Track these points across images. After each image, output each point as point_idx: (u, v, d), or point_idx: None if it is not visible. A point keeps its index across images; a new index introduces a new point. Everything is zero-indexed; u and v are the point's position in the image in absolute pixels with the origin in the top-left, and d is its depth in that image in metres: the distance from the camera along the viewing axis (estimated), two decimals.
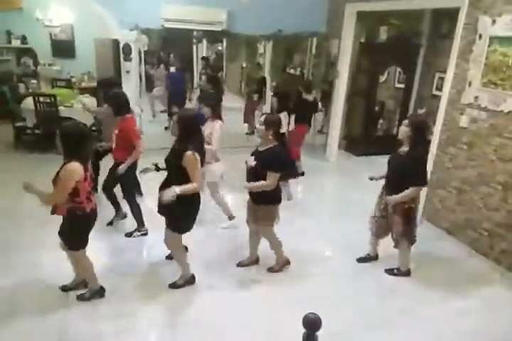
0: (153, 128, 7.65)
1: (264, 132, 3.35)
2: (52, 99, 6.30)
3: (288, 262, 3.86)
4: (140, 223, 4.31)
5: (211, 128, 4.27)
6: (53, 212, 3.04)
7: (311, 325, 1.74)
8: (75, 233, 3.07)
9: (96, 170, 4.64)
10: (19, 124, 6.68)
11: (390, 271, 3.88)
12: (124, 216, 4.55)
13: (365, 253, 4.07)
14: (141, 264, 3.88)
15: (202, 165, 3.24)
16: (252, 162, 3.41)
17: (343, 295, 3.55)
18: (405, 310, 3.41)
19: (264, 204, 3.50)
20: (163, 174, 3.33)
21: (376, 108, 7.70)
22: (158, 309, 3.28)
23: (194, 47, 12.81)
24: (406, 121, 3.52)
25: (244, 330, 3.06)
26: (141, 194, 4.97)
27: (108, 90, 4.49)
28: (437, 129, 4.80)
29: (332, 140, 7.24)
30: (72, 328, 3.01)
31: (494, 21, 4.04)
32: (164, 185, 3.18)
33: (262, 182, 3.34)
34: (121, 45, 6.39)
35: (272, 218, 3.55)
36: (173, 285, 3.49)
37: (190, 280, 3.54)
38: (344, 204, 5.39)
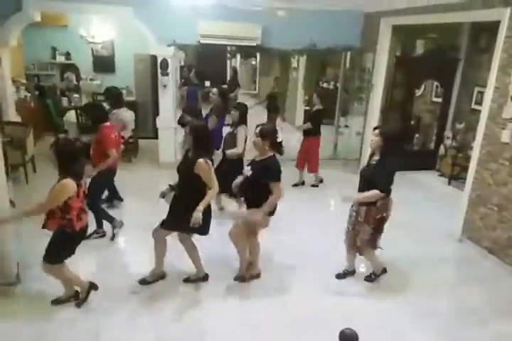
0: None
1: (261, 143, 3.38)
2: (84, 113, 6.54)
3: (259, 275, 3.83)
4: (100, 225, 4.47)
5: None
6: (44, 227, 3.09)
7: (348, 340, 1.72)
8: (57, 248, 3.11)
9: None
10: (62, 136, 6.96)
11: (368, 278, 3.88)
12: (121, 223, 4.61)
13: (343, 269, 3.97)
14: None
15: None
16: (248, 172, 3.43)
17: (373, 314, 3.46)
18: (442, 330, 3.28)
19: (268, 215, 3.50)
20: None
21: (412, 122, 7.57)
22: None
23: (228, 62, 13.09)
24: (377, 131, 3.53)
25: None
26: (121, 199, 5.27)
27: (114, 101, 5.10)
28: (477, 144, 4.66)
29: (366, 154, 7.14)
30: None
31: None
32: (177, 197, 3.30)
33: (270, 198, 3.34)
34: (158, 61, 6.60)
35: (259, 226, 3.54)
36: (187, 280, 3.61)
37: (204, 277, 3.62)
38: None
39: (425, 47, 7.29)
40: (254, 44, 6.79)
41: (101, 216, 4.46)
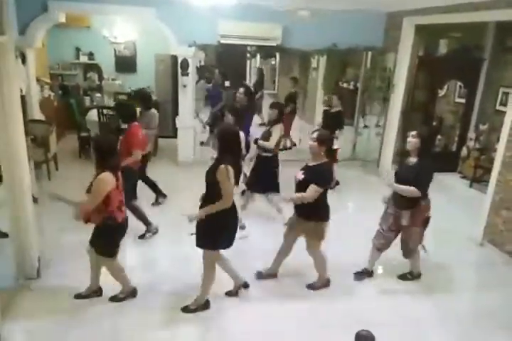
0: None
1: (317, 148, 3.35)
2: (115, 111, 6.64)
3: (328, 282, 3.77)
4: (147, 224, 4.50)
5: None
6: (86, 221, 3.15)
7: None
8: (106, 242, 3.21)
9: None
10: (84, 135, 7.08)
11: (402, 276, 3.93)
12: (156, 231, 4.60)
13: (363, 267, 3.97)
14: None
15: (236, 182, 3.13)
16: (300, 176, 3.41)
17: (399, 315, 3.41)
18: (461, 335, 3.21)
19: (314, 221, 3.46)
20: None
21: (434, 123, 7.42)
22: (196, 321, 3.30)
23: (248, 62, 13.10)
24: (414, 133, 3.61)
25: None
26: (164, 196, 5.37)
27: (143, 102, 5.11)
28: (502, 146, 4.54)
29: (385, 154, 7.06)
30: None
31: None
32: (203, 199, 3.19)
33: (302, 193, 3.32)
34: (179, 61, 6.65)
35: (321, 235, 3.49)
36: (186, 310, 3.34)
37: (205, 306, 3.40)
38: None
39: (449, 46, 7.14)
40: (274, 44, 6.79)
41: (137, 215, 4.46)
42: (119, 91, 8.51)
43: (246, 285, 3.62)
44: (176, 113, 7.28)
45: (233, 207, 3.15)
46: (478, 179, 6.37)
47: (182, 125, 6.89)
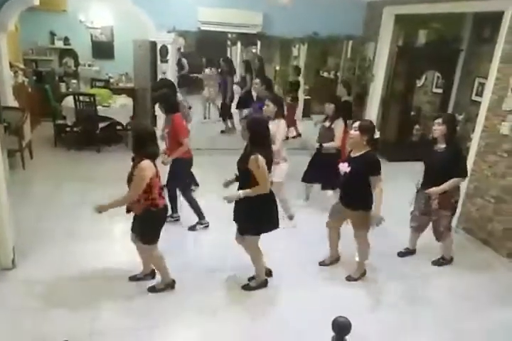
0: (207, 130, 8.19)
1: (359, 138, 3.35)
2: (92, 98, 6.50)
3: (365, 273, 3.80)
4: (201, 216, 4.48)
5: (277, 128, 4.31)
6: (128, 211, 3.17)
7: (341, 328, 1.72)
8: (149, 229, 3.21)
9: None
10: (59, 122, 6.92)
11: (436, 262, 4.09)
12: (208, 225, 4.53)
13: (404, 247, 4.22)
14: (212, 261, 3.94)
15: (269, 169, 3.19)
16: (346, 168, 3.40)
17: (374, 302, 3.49)
18: (437, 320, 3.31)
19: (361, 210, 3.47)
20: None
21: (412, 113, 7.53)
22: (238, 308, 3.33)
23: (228, 49, 12.95)
24: (439, 120, 3.64)
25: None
26: (197, 184, 5.24)
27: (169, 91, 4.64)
28: (476, 136, 4.65)
29: None
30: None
31: None
32: (239, 188, 3.24)
33: (377, 190, 3.33)
34: (158, 47, 6.53)
35: (367, 223, 3.50)
36: (247, 287, 3.53)
37: (263, 284, 3.56)
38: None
39: (427, 37, 7.21)
40: (255, 32, 6.72)
41: (193, 206, 4.43)
42: (96, 78, 8.31)
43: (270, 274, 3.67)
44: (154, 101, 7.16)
45: (270, 193, 3.24)
46: None
47: (161, 112, 6.77)
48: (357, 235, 3.62)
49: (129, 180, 3.07)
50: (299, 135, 8.35)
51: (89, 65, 8.73)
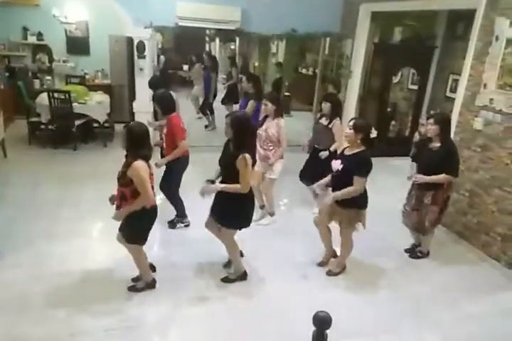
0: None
1: (354, 136, 3.35)
2: (67, 95, 6.36)
3: (345, 267, 3.84)
4: (183, 215, 4.45)
5: (276, 127, 4.28)
6: (118, 208, 3.11)
7: (321, 322, 1.75)
8: (135, 229, 3.15)
9: None
10: (33, 120, 6.75)
11: (414, 255, 4.17)
12: (188, 224, 4.51)
13: (410, 243, 4.26)
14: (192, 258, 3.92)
15: (252, 166, 3.23)
16: (339, 165, 3.41)
17: (355, 298, 3.55)
18: (415, 312, 3.39)
19: (355, 208, 3.49)
20: None
21: (388, 109, 7.65)
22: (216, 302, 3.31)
23: (207, 45, 12.88)
24: (432, 120, 3.71)
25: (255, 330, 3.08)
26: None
27: (156, 89, 4.59)
28: (451, 131, 4.75)
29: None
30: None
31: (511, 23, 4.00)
32: (222, 181, 3.26)
33: (349, 188, 3.34)
34: (135, 43, 6.43)
35: (354, 222, 3.53)
36: (226, 280, 3.58)
37: (242, 276, 3.60)
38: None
39: (403, 34, 7.33)
40: (233, 28, 6.69)
41: (178, 207, 4.41)
42: (71, 74, 8.13)
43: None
44: (132, 97, 7.07)
45: (250, 190, 3.27)
46: None
47: (140, 109, 6.70)
48: (344, 233, 3.63)
49: (120, 177, 3.01)
50: None
51: (64, 61, 8.52)
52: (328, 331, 1.75)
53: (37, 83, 7.96)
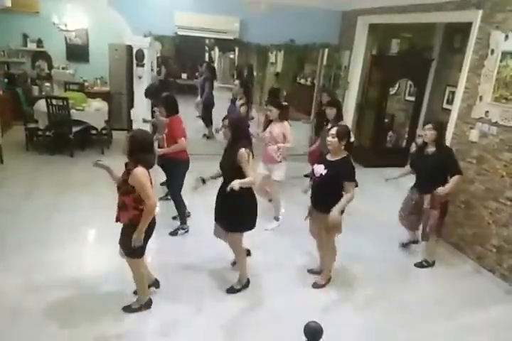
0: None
1: (337, 144, 3.39)
2: (65, 102, 6.38)
3: (330, 279, 3.79)
4: (183, 221, 4.49)
5: (282, 128, 4.49)
6: (117, 220, 3.01)
7: (313, 333, 1.73)
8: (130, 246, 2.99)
9: None
10: (31, 126, 6.76)
11: (419, 264, 4.19)
12: (188, 229, 4.53)
13: (407, 239, 4.38)
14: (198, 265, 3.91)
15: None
16: (322, 170, 3.42)
17: (350, 306, 3.52)
18: (409, 324, 3.37)
19: (341, 214, 3.47)
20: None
21: (386, 120, 7.69)
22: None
23: (206, 55, 12.96)
24: (430, 126, 3.90)
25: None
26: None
27: (156, 96, 4.74)
28: (447, 143, 4.77)
29: None
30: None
31: (507, 37, 4.04)
32: (223, 191, 3.25)
33: (346, 196, 3.36)
34: (134, 51, 6.47)
35: (339, 228, 3.52)
36: (231, 290, 3.54)
37: (246, 285, 3.59)
38: (351, 216, 5.33)
39: (400, 46, 7.40)
40: (232, 37, 6.75)
41: (180, 209, 4.45)
42: (70, 81, 8.17)
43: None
44: (130, 105, 7.09)
45: (251, 190, 3.35)
46: None
47: (137, 117, 6.71)
48: (327, 239, 3.61)
49: (120, 186, 2.93)
50: None
51: (63, 68, 8.57)
52: None
53: (36, 90, 7.98)
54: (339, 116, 4.85)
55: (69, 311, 3.17)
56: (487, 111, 4.25)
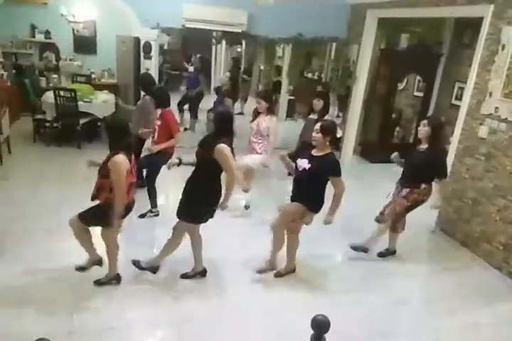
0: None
1: (322, 139, 3.35)
2: (73, 93, 6.39)
3: (294, 270, 3.80)
4: (154, 204, 4.59)
5: (269, 122, 4.55)
6: (93, 198, 3.14)
7: (320, 326, 1.73)
8: (96, 218, 3.16)
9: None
10: (39, 117, 6.78)
11: (380, 254, 4.19)
12: (158, 214, 4.62)
13: (384, 248, 4.22)
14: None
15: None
16: (306, 164, 3.39)
17: (353, 300, 3.53)
18: (412, 320, 3.37)
19: (307, 208, 3.45)
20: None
21: (393, 115, 7.65)
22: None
23: (213, 47, 12.90)
24: (425, 122, 3.79)
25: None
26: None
27: (147, 85, 4.90)
28: (455, 139, 4.75)
29: (347, 145, 7.21)
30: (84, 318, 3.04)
31: None
32: (191, 179, 3.28)
33: (337, 194, 3.35)
34: (142, 43, 6.46)
35: (307, 220, 3.52)
36: (185, 276, 3.57)
37: (202, 273, 3.60)
38: (356, 210, 5.31)
39: (409, 41, 7.33)
40: (240, 30, 6.73)
41: (151, 195, 4.55)
42: (78, 73, 8.17)
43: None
44: (137, 97, 7.09)
45: (219, 184, 3.28)
46: None
47: None
48: (291, 230, 3.59)
49: (100, 169, 3.06)
50: None
51: (71, 60, 8.58)
52: (326, 335, 1.74)
53: (43, 81, 8.00)
54: (325, 109, 4.94)
55: (78, 298, 3.20)
56: (497, 108, 4.21)
